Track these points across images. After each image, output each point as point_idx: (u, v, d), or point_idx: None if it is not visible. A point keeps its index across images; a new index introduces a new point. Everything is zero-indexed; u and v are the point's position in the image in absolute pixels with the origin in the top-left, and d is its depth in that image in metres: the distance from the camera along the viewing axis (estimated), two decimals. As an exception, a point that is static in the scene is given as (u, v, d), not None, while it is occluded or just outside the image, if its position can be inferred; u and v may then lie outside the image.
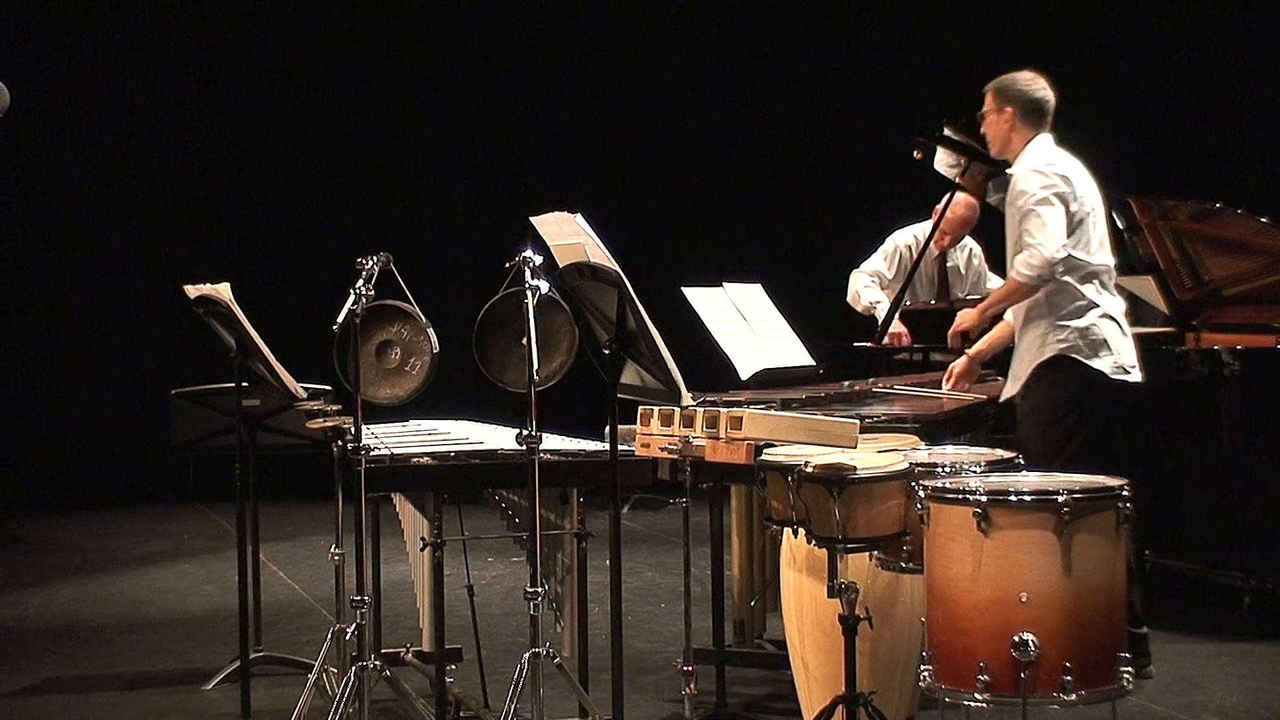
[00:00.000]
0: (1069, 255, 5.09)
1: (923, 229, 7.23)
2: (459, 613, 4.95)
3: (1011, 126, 5.26)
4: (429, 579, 4.47)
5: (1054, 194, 5.09)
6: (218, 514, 9.38)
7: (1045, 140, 5.27)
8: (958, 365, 5.44)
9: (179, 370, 9.73)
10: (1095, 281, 5.18)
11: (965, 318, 5.64)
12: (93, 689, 5.53)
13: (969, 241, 7.43)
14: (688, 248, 10.93)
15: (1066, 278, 5.11)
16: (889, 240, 7.34)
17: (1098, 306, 5.16)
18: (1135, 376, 5.21)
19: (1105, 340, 5.15)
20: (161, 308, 10.51)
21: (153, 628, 6.53)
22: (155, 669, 5.79)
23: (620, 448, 4.01)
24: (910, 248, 7.25)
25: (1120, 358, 5.18)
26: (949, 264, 7.40)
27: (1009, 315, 5.39)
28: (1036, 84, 5.28)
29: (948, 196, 6.96)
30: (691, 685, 4.42)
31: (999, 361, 6.46)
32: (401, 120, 10.86)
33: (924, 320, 7.03)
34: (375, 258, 4.27)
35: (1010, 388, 5.28)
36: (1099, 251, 5.22)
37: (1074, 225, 5.13)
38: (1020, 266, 5.11)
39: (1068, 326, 5.13)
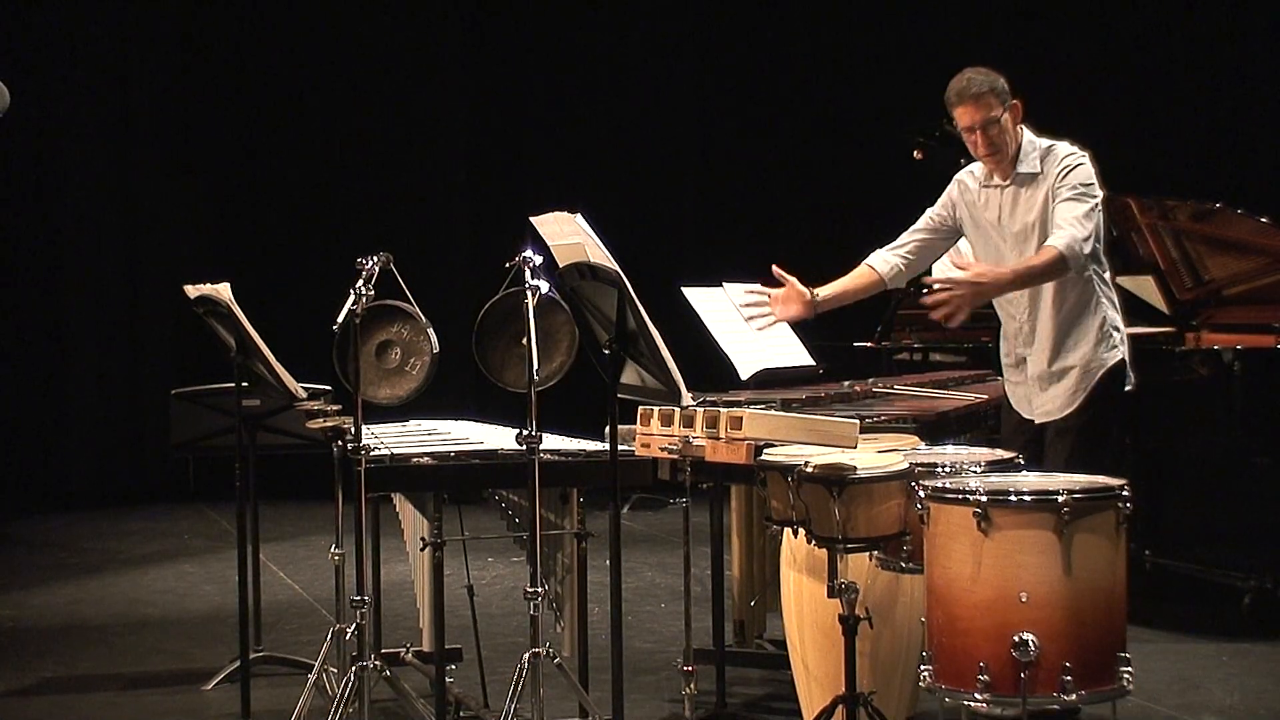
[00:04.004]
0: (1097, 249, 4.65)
1: None
2: (459, 613, 4.95)
3: (1020, 117, 4.78)
4: (429, 579, 4.46)
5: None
6: (218, 514, 9.38)
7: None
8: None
9: (179, 370, 9.72)
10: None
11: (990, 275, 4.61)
12: (93, 689, 5.53)
13: None
14: (688, 248, 10.93)
15: (1105, 274, 4.72)
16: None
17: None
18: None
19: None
20: (161, 308, 10.51)
21: (153, 628, 6.52)
22: (155, 669, 5.79)
23: (620, 448, 4.00)
24: None
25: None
26: None
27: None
28: None
29: None
30: (691, 685, 4.42)
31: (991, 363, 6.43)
32: (402, 121, 10.86)
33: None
34: (375, 258, 4.27)
35: (1053, 404, 4.70)
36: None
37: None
38: (1060, 242, 4.48)
39: (1120, 330, 4.73)
